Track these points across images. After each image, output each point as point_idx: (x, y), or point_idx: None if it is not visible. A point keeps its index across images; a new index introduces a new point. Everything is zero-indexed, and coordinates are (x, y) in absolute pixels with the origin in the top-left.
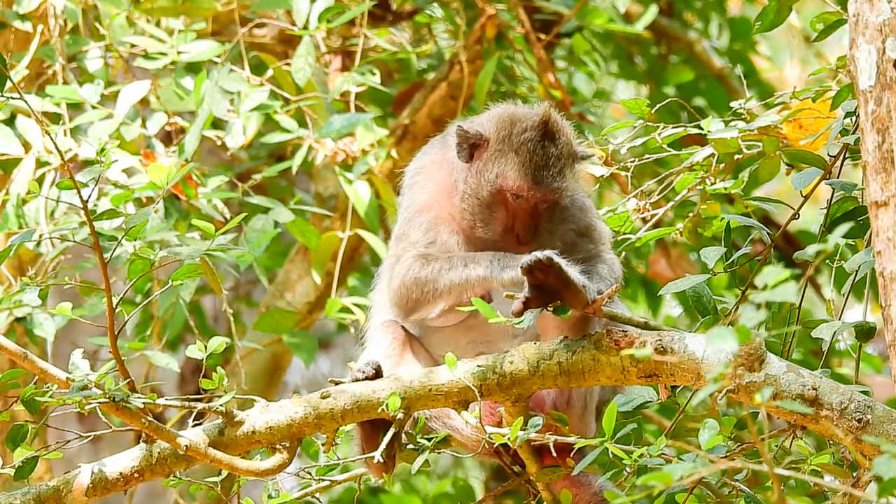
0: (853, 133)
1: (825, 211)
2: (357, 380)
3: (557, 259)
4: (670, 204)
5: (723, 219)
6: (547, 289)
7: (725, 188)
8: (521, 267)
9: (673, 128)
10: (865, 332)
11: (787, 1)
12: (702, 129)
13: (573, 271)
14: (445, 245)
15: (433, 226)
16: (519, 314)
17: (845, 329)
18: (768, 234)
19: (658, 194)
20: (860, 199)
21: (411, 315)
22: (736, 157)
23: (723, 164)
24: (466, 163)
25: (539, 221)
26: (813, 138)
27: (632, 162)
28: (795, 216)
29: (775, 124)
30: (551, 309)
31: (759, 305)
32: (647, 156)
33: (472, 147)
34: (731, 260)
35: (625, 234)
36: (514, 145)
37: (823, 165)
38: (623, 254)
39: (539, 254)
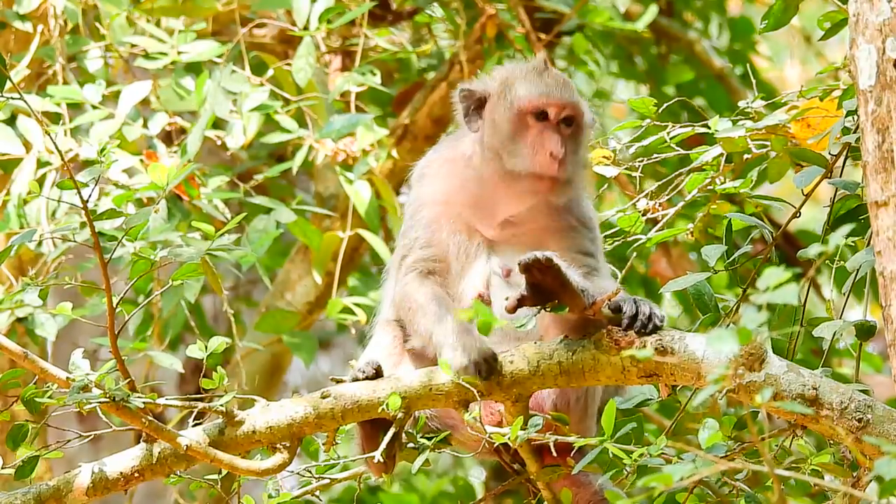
0: (854, 132)
1: (828, 209)
2: (357, 379)
3: (557, 260)
4: (681, 203)
5: (721, 216)
6: (544, 289)
7: (735, 188)
8: (519, 264)
9: (680, 127)
10: (866, 331)
11: (793, 0)
12: (709, 128)
13: (573, 273)
14: (443, 246)
15: (435, 223)
16: (512, 311)
17: (846, 328)
18: (770, 232)
19: (666, 195)
20: (862, 196)
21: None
22: (745, 156)
23: (732, 164)
24: (475, 124)
25: (567, 146)
26: (820, 137)
27: (640, 162)
28: (797, 215)
29: (783, 123)
30: (548, 308)
31: (761, 307)
32: (655, 155)
33: (478, 106)
34: (731, 258)
35: (635, 234)
36: (519, 77)
37: (825, 164)
38: (633, 255)
39: (539, 253)
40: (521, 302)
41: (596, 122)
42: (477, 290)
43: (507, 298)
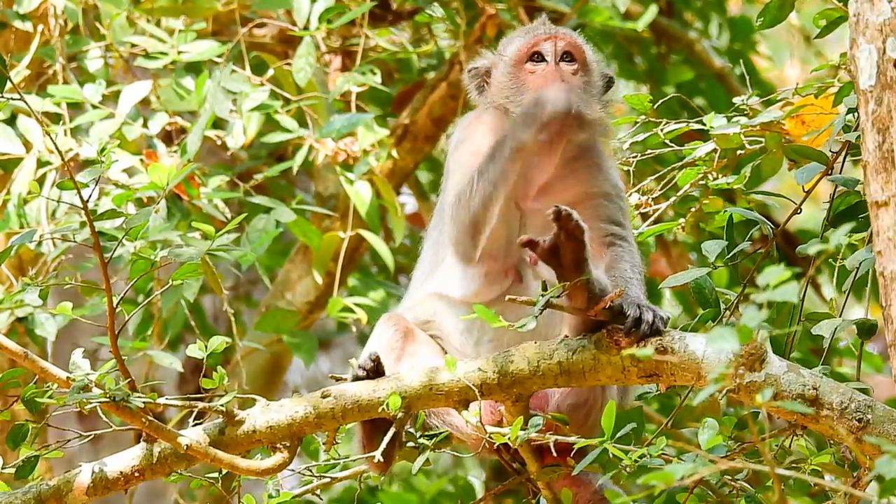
0: (854, 130)
1: (827, 206)
2: (357, 377)
3: (586, 237)
4: (673, 199)
5: (725, 212)
6: (560, 255)
7: (728, 184)
8: (554, 209)
9: (675, 124)
10: (867, 329)
11: None
12: (704, 125)
13: (594, 269)
14: None
15: None
16: (523, 245)
17: (845, 326)
18: (771, 228)
19: (659, 190)
20: (862, 194)
21: (477, 240)
22: (738, 152)
23: (725, 160)
24: (487, 98)
25: (570, 79)
26: (815, 134)
27: (634, 157)
28: (797, 211)
29: (778, 120)
30: (545, 297)
31: (761, 305)
32: (648, 151)
33: (485, 77)
34: (731, 254)
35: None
36: (514, 36)
37: (825, 161)
38: None
39: (577, 216)
40: (532, 245)
41: (614, 80)
42: (510, 268)
43: (508, 299)
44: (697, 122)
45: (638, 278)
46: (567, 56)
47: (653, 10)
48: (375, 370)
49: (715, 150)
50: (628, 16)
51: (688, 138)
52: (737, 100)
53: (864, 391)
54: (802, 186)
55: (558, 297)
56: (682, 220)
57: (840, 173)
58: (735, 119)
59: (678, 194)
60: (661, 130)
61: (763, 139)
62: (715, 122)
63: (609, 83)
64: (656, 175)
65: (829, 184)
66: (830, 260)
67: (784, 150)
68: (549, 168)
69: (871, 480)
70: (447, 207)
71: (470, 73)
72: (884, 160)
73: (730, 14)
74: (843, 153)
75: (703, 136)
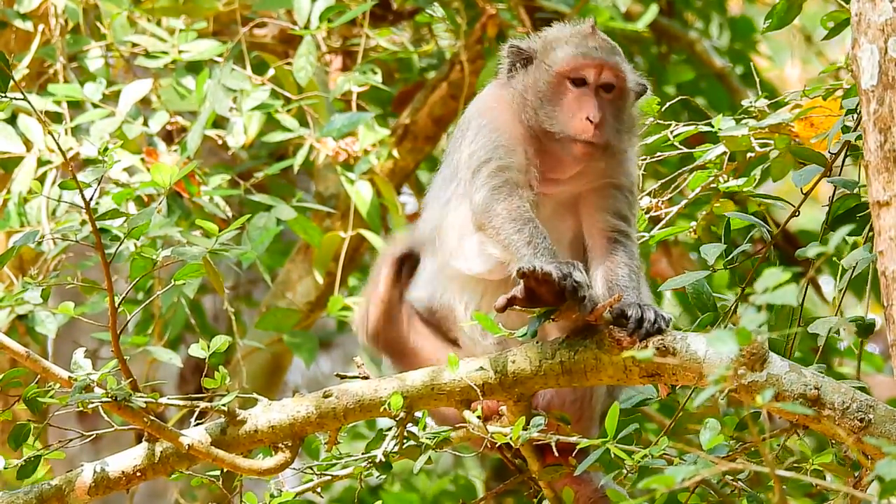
0: (854, 130)
1: (827, 208)
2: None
3: (555, 275)
4: (684, 202)
5: (725, 215)
6: (539, 295)
7: (738, 186)
8: (517, 270)
9: (683, 126)
10: (865, 328)
11: (796, 0)
12: (712, 126)
13: (575, 278)
14: (522, 165)
15: (512, 143)
16: (501, 309)
17: (842, 325)
18: (768, 231)
19: (668, 193)
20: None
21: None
22: (748, 155)
23: (735, 163)
24: (515, 80)
25: (605, 111)
26: (823, 136)
27: (643, 160)
28: (796, 213)
29: (786, 122)
30: (540, 311)
31: (760, 308)
32: (658, 154)
33: (523, 62)
34: (730, 256)
35: (638, 232)
36: (561, 40)
37: (823, 163)
38: None
39: (537, 264)
40: (510, 302)
41: (648, 89)
42: None
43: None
44: (706, 124)
45: (636, 284)
46: (607, 86)
47: (653, 10)
48: None
49: (724, 153)
50: (629, 16)
51: (693, 140)
52: (745, 102)
53: (863, 389)
54: (801, 188)
55: (553, 319)
56: (693, 224)
57: (840, 174)
58: (743, 121)
59: (690, 197)
60: (671, 133)
61: (772, 141)
62: (724, 124)
63: (643, 91)
64: (665, 179)
65: (830, 185)
66: (834, 258)
67: (790, 151)
68: (559, 169)
69: (871, 481)
70: (465, 177)
71: (510, 49)
72: (885, 160)
73: (730, 14)
74: (843, 154)
75: (709, 138)
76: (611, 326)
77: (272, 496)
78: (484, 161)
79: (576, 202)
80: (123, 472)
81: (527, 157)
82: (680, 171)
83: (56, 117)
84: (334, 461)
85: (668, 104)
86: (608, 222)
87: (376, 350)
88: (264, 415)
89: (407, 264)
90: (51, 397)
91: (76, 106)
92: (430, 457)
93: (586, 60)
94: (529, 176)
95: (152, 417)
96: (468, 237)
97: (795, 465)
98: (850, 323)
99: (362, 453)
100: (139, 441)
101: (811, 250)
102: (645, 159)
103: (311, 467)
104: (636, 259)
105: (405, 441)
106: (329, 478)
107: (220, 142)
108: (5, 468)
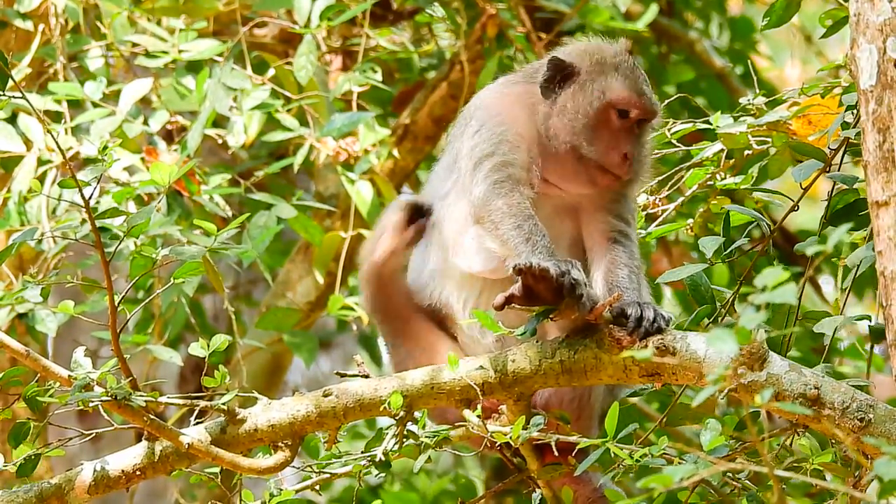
0: (853, 127)
1: (826, 203)
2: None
3: (553, 271)
4: (682, 199)
5: (724, 209)
6: (536, 293)
7: (735, 184)
8: (513, 266)
9: (681, 124)
10: (878, 333)
11: None
12: (710, 124)
13: (573, 276)
14: (524, 161)
15: (516, 139)
16: (499, 308)
17: (846, 324)
18: (767, 225)
19: (666, 191)
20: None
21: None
22: (745, 153)
23: (732, 160)
24: (552, 94)
25: (637, 146)
26: (822, 134)
27: None
28: (794, 209)
29: (784, 120)
30: (539, 310)
31: (760, 307)
32: (656, 152)
33: (564, 77)
34: (728, 250)
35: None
36: (611, 66)
37: (823, 158)
38: None
39: (534, 261)
40: (508, 300)
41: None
42: None
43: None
44: (704, 122)
45: (636, 284)
46: (642, 122)
47: (653, 10)
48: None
49: (722, 151)
50: (629, 16)
51: (691, 138)
52: (743, 100)
53: (863, 388)
54: (800, 184)
55: (552, 318)
56: (690, 221)
57: (839, 171)
58: (741, 119)
59: (687, 195)
60: (669, 131)
61: (770, 139)
62: (721, 121)
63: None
64: (663, 176)
65: (829, 182)
66: (834, 260)
67: (788, 149)
68: (569, 185)
69: (871, 481)
70: (466, 168)
71: (554, 63)
72: (884, 160)
73: (730, 14)
74: (842, 150)
75: (707, 135)
76: (611, 326)
77: (272, 495)
78: (487, 154)
79: (575, 205)
80: (123, 470)
81: (530, 156)
82: (677, 167)
83: (56, 116)
84: (334, 460)
85: (666, 101)
86: (608, 223)
87: (371, 299)
88: (264, 414)
89: (415, 222)
90: (51, 396)
91: (76, 105)
92: (429, 456)
93: (639, 99)
94: (531, 175)
95: (152, 416)
96: (467, 233)
97: (795, 464)
98: (854, 323)
99: (362, 452)
100: (139, 440)
101: (809, 247)
102: None
103: (310, 466)
104: (636, 259)
105: (405, 440)
106: (328, 476)
107: (220, 141)
108: (5, 466)
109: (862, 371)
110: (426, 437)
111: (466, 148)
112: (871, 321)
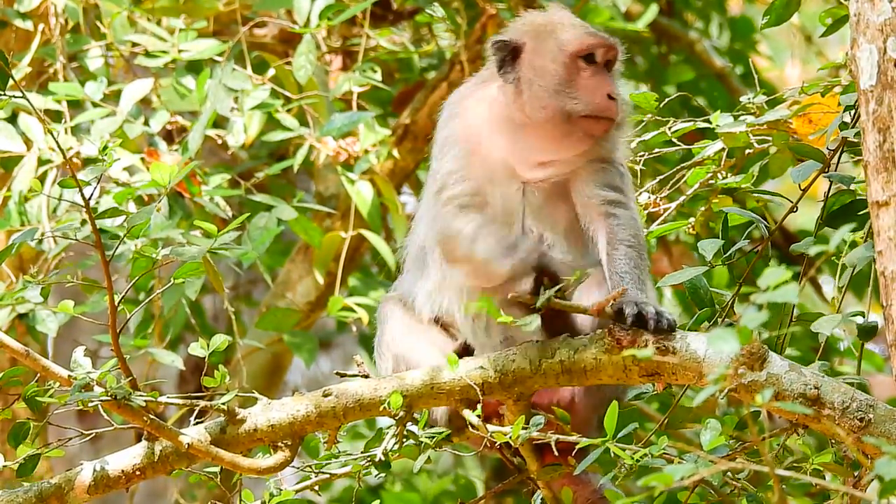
0: (852, 127)
1: (822, 203)
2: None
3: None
4: (683, 198)
5: (722, 211)
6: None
7: (736, 183)
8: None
9: (682, 122)
10: (868, 331)
11: None
12: (710, 123)
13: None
14: (479, 181)
15: (470, 157)
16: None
17: (844, 323)
18: (766, 227)
19: (667, 190)
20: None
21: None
22: (746, 151)
23: (733, 159)
24: (511, 75)
25: (614, 85)
26: (822, 133)
27: (641, 156)
28: (793, 210)
29: (785, 119)
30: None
31: (760, 307)
32: (656, 150)
33: (512, 55)
34: (728, 253)
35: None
36: (555, 24)
37: (822, 159)
38: None
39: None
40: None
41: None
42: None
43: (511, 297)
44: (704, 121)
45: (637, 269)
46: (609, 63)
47: (653, 10)
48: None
49: (723, 150)
50: (629, 16)
51: (691, 138)
52: (743, 98)
53: (863, 388)
54: (799, 185)
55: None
56: (691, 220)
57: (836, 171)
58: (742, 118)
59: (688, 194)
60: (669, 129)
61: (770, 138)
62: (721, 120)
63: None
64: (663, 176)
65: (827, 182)
66: (834, 259)
67: (788, 148)
68: (563, 152)
69: (871, 480)
70: (428, 200)
71: (496, 45)
72: (884, 160)
73: (730, 14)
74: (840, 150)
75: (707, 135)
76: (610, 326)
77: (272, 495)
78: (439, 188)
79: (566, 187)
80: (123, 470)
81: (505, 152)
82: (678, 167)
83: (56, 116)
84: (333, 460)
85: (666, 100)
86: (600, 196)
87: None
88: (264, 414)
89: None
90: (50, 396)
91: (76, 105)
92: (429, 456)
93: (597, 40)
94: (515, 163)
95: (152, 416)
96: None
97: (795, 464)
98: (851, 321)
99: (361, 452)
100: (139, 440)
101: (808, 248)
102: (644, 156)
103: (310, 466)
104: (633, 227)
105: (405, 440)
106: (328, 476)
107: (220, 141)
108: (5, 466)
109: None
110: (426, 437)
111: (432, 171)
112: (863, 318)
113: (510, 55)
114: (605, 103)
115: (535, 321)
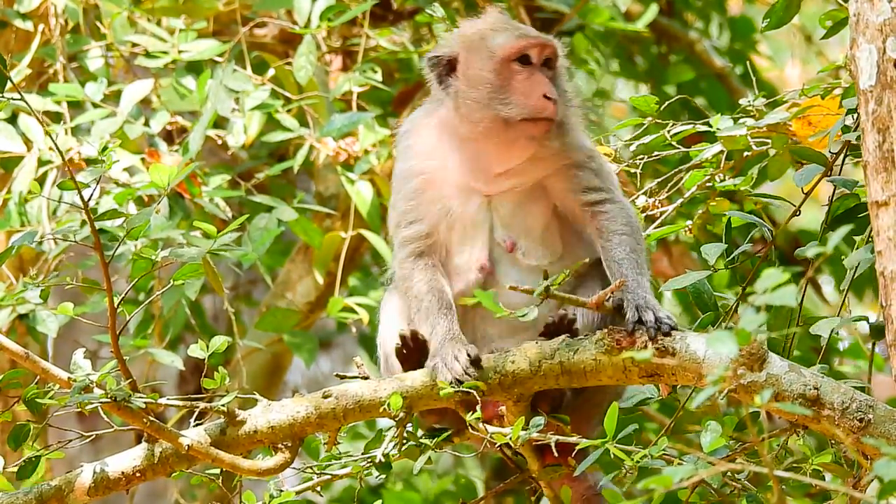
0: (854, 130)
1: (827, 208)
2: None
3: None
4: (680, 200)
5: (725, 214)
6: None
7: (735, 185)
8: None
9: (681, 125)
10: (879, 330)
11: None
12: (710, 126)
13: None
14: (432, 218)
15: (421, 195)
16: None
17: (844, 325)
18: (769, 230)
19: (666, 192)
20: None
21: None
22: (745, 154)
23: (732, 162)
24: (451, 88)
25: (554, 87)
26: (822, 135)
27: (640, 159)
28: (796, 213)
29: (784, 121)
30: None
31: (759, 308)
32: (655, 153)
33: (449, 69)
34: (731, 257)
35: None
36: (485, 31)
37: (824, 162)
38: None
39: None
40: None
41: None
42: (480, 262)
43: (510, 287)
44: (703, 124)
45: (634, 257)
46: (548, 62)
47: (653, 10)
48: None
49: (722, 152)
50: (628, 16)
51: (691, 140)
52: (743, 101)
53: (863, 389)
54: (801, 188)
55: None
56: (689, 222)
57: (840, 174)
58: (741, 120)
59: (686, 196)
60: (668, 132)
61: (770, 140)
62: (721, 123)
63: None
64: (662, 178)
65: (830, 185)
66: (839, 259)
67: (787, 151)
68: (514, 159)
69: (870, 481)
70: (391, 231)
71: (430, 62)
72: (884, 160)
73: (730, 14)
74: (843, 154)
75: (707, 137)
76: (610, 327)
77: (272, 496)
78: (395, 225)
79: (541, 192)
80: (123, 472)
81: (461, 170)
82: (677, 169)
83: (56, 117)
84: (333, 461)
85: (667, 103)
86: (581, 200)
87: None
88: (264, 415)
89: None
90: (50, 398)
91: (76, 106)
92: (429, 457)
93: (528, 40)
94: (473, 180)
95: (152, 418)
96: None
97: (795, 465)
98: (853, 323)
99: (361, 453)
100: (139, 442)
101: (810, 250)
102: (643, 158)
103: (310, 467)
104: (625, 217)
105: (405, 441)
106: (328, 477)
107: (220, 142)
108: (4, 469)
109: (862, 371)
110: (426, 437)
111: (391, 203)
112: (868, 321)
113: (446, 70)
114: (541, 103)
115: (532, 311)
